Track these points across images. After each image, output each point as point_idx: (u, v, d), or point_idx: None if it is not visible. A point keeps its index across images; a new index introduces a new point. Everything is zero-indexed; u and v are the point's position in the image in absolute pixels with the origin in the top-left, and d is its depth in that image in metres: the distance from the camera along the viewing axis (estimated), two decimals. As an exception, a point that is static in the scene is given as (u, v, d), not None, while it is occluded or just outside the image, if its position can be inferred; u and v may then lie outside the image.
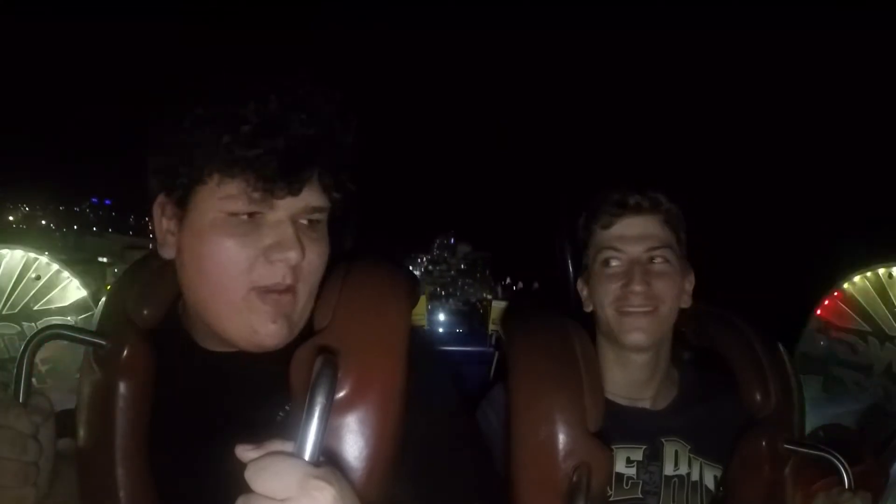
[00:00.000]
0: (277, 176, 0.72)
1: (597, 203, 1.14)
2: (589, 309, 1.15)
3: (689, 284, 1.15)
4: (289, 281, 0.76)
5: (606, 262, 1.11)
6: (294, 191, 0.74)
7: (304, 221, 0.78)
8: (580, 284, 1.18)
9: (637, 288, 1.07)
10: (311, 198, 0.76)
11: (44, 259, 1.81)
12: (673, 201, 1.13)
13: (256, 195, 0.72)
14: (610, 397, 1.09)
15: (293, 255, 0.74)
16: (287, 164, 0.72)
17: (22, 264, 1.78)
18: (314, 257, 0.78)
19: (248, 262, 0.75)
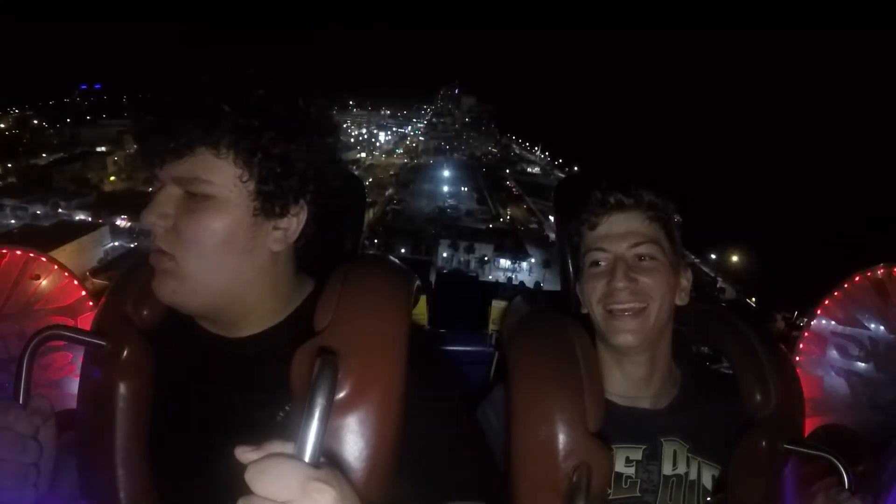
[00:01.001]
0: (141, 147, 0.83)
1: (582, 205, 1.14)
2: (585, 311, 1.14)
3: (686, 281, 1.14)
4: (158, 243, 0.83)
5: (595, 263, 1.11)
6: (155, 161, 0.82)
7: (180, 191, 0.83)
8: (577, 288, 1.18)
9: (619, 284, 1.06)
10: (183, 169, 0.81)
11: (44, 259, 1.80)
12: (661, 197, 1.12)
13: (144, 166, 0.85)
14: (610, 398, 1.09)
15: (147, 218, 0.82)
16: (147, 135, 0.82)
17: (22, 264, 1.77)
18: (184, 227, 0.82)
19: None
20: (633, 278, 1.07)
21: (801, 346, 1.90)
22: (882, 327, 1.86)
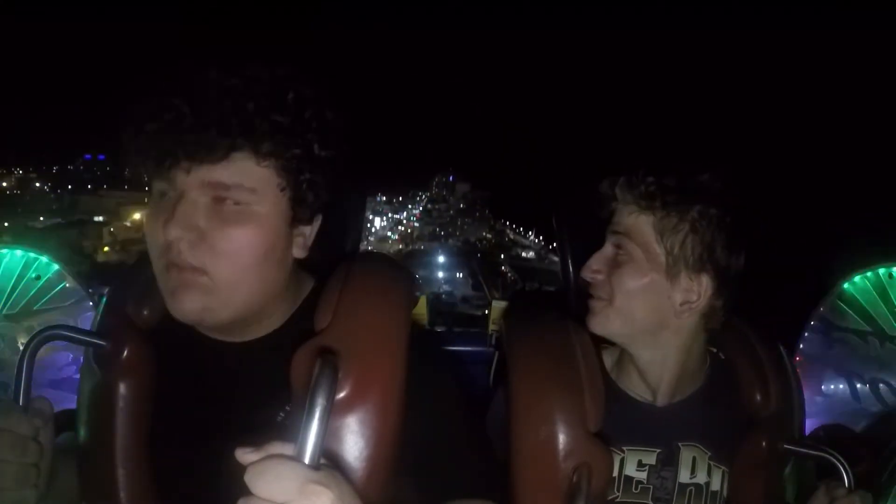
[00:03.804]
0: (167, 143, 0.73)
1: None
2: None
3: (686, 294, 1.02)
4: (185, 258, 0.75)
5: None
6: (181, 163, 0.74)
7: (206, 198, 0.76)
8: None
9: (589, 270, 1.07)
10: (222, 174, 0.75)
11: (44, 259, 1.80)
12: (670, 190, 1.02)
13: (155, 171, 0.76)
14: (626, 390, 1.08)
15: (172, 232, 0.74)
16: (179, 130, 0.72)
17: (22, 264, 1.78)
18: (220, 240, 0.76)
19: (160, 237, 0.75)
20: (598, 269, 1.05)
21: (801, 345, 1.90)
22: (882, 327, 1.87)
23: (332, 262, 0.92)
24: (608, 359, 1.12)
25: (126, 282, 0.97)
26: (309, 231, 0.87)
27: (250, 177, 0.76)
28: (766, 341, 1.16)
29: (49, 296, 1.78)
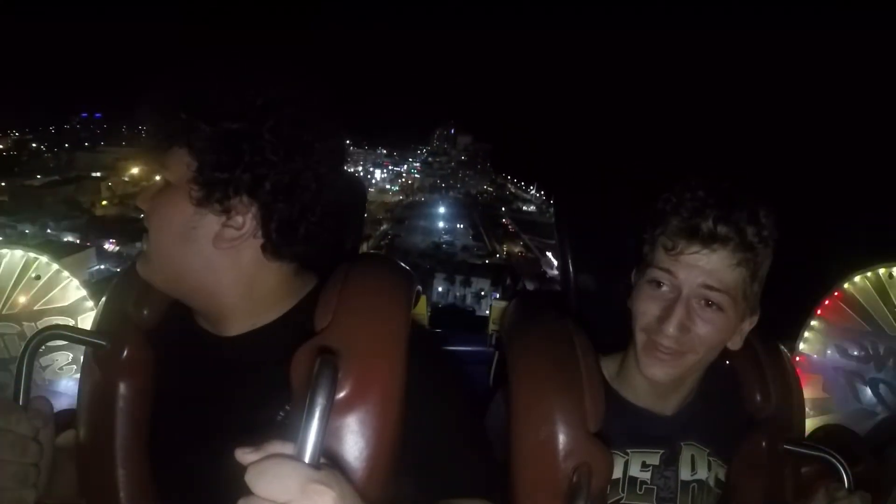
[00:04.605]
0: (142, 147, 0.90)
1: (667, 213, 1.00)
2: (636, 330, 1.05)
3: (749, 325, 1.04)
4: (144, 224, 0.89)
5: (655, 282, 1.00)
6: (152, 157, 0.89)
7: (163, 181, 0.89)
8: (633, 276, 1.08)
9: (670, 330, 0.96)
10: (161, 160, 0.87)
11: (44, 259, 1.80)
12: (765, 236, 0.97)
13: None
14: (632, 400, 1.08)
15: (137, 203, 0.90)
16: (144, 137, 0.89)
17: (22, 264, 1.77)
18: (149, 215, 0.87)
19: None
20: (687, 328, 0.97)
21: (800, 346, 1.90)
22: (882, 327, 1.86)
23: (332, 262, 0.92)
24: (608, 368, 1.11)
25: (126, 281, 0.97)
26: (238, 223, 0.83)
27: (170, 157, 0.85)
28: (766, 341, 1.16)
29: (49, 296, 1.78)
